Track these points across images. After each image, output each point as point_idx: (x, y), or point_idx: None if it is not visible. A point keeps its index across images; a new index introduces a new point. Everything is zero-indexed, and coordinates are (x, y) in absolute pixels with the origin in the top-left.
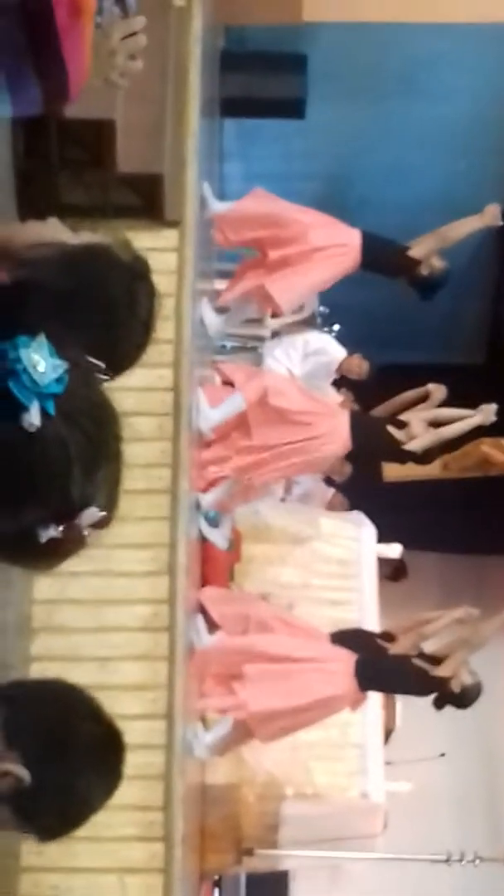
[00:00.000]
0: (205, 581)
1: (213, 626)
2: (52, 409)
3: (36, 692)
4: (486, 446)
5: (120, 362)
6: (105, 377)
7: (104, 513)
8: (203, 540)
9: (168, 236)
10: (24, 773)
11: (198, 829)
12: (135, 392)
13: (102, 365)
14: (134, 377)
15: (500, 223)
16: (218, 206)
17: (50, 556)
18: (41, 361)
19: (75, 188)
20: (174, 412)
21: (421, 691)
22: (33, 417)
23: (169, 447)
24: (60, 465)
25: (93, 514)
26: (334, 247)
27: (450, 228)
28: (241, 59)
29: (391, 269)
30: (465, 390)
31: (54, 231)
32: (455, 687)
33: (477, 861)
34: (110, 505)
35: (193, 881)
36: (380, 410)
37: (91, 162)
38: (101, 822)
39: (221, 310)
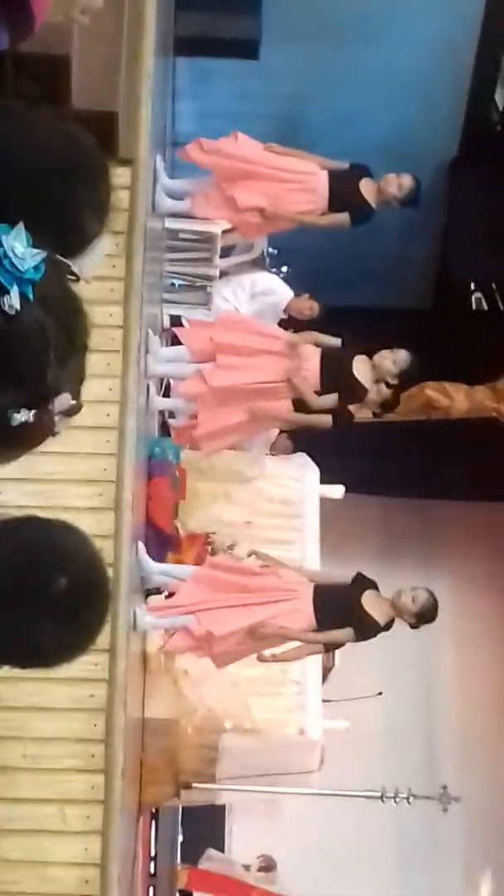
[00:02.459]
0: (149, 517)
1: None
2: (31, 294)
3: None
4: (431, 390)
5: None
6: (72, 277)
7: (74, 401)
8: (149, 477)
9: (121, 174)
10: None
11: (137, 762)
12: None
13: (70, 264)
14: None
15: None
16: (176, 185)
17: (19, 441)
18: (21, 248)
19: None
20: (123, 350)
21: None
22: (13, 300)
23: (117, 384)
24: (38, 349)
25: (65, 399)
26: (305, 202)
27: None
28: None
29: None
30: (413, 335)
31: None
32: (409, 619)
33: (411, 798)
34: (78, 396)
35: (132, 813)
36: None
37: (45, 97)
38: (43, 754)
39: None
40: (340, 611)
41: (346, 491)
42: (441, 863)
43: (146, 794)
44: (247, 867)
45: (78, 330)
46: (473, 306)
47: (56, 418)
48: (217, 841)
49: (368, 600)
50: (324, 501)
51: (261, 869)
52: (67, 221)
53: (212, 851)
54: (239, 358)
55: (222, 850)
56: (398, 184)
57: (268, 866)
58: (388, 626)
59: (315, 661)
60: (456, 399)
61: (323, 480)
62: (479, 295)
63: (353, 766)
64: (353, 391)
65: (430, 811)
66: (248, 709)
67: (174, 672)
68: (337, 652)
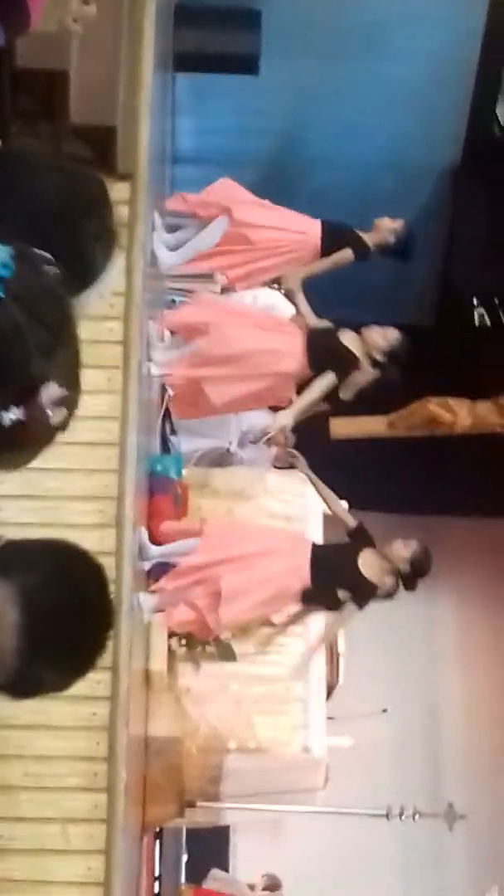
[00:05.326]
0: (151, 535)
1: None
2: (2, 292)
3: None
4: (433, 405)
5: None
6: (52, 267)
7: (64, 390)
8: (151, 494)
9: (120, 189)
10: None
11: (140, 781)
12: (84, 345)
13: (48, 255)
14: (83, 330)
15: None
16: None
17: (16, 443)
18: None
19: (28, 138)
20: (123, 365)
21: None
22: None
23: (118, 400)
24: (16, 345)
25: (53, 389)
26: (296, 247)
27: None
28: (195, 13)
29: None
30: (416, 351)
31: None
32: (403, 566)
33: (416, 816)
34: (73, 386)
35: (135, 832)
36: None
37: (44, 113)
38: (46, 772)
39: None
40: (337, 569)
41: (349, 507)
42: (447, 881)
43: (149, 813)
44: (251, 886)
45: (61, 321)
46: (476, 322)
47: (48, 412)
48: (221, 860)
49: (365, 558)
50: (326, 517)
51: (265, 888)
52: (79, 255)
53: (216, 871)
54: (228, 329)
55: (227, 870)
56: (392, 228)
57: (272, 885)
58: (388, 594)
59: (319, 679)
60: (459, 415)
61: None
62: (481, 310)
63: (358, 784)
64: (343, 361)
65: (436, 829)
66: (251, 727)
67: (177, 690)
68: (341, 668)
